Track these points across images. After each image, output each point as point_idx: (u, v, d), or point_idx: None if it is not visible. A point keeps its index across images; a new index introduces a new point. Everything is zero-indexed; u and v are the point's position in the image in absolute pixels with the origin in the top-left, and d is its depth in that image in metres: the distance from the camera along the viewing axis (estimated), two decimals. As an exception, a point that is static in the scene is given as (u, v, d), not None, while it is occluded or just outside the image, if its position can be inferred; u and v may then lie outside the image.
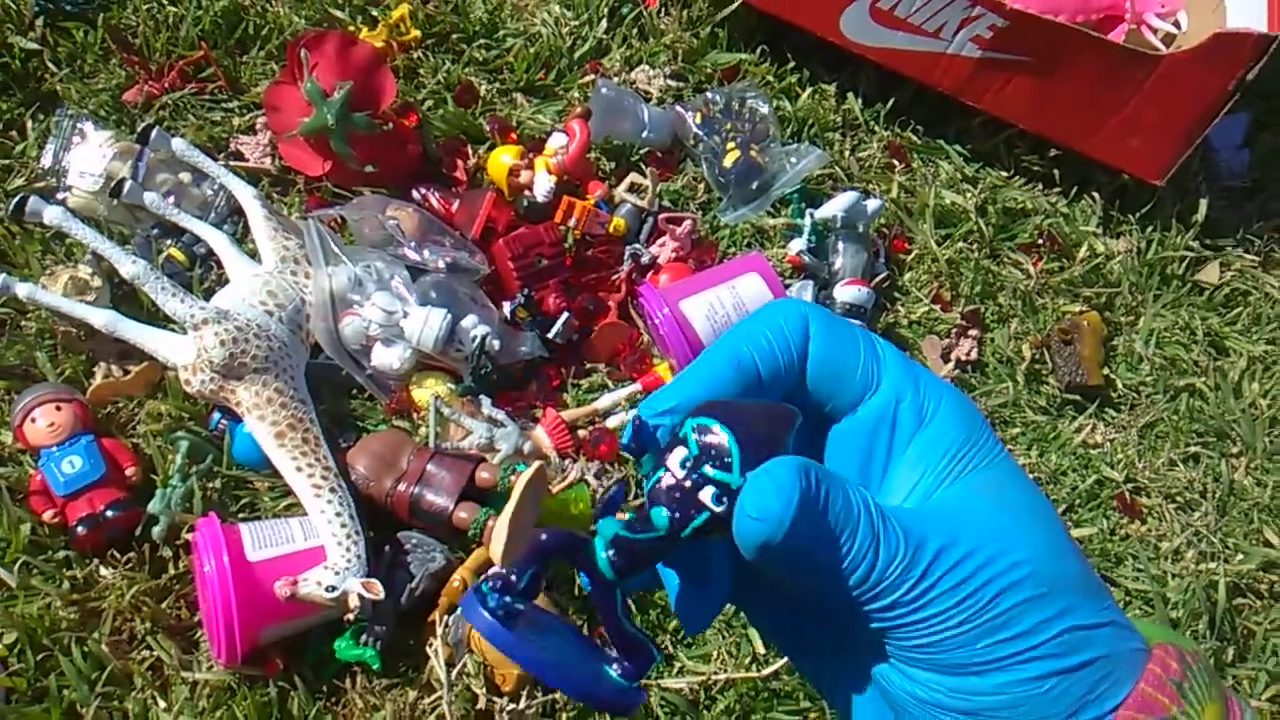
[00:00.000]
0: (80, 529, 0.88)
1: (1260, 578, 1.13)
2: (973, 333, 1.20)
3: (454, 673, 0.88)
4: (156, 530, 0.90)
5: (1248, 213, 1.36)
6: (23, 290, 0.93)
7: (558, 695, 0.90)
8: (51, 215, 0.95)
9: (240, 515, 0.94)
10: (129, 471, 0.92)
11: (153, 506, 0.91)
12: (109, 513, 0.89)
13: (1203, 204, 1.31)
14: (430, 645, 0.89)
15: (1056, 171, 1.31)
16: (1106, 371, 1.21)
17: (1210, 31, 1.17)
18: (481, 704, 0.87)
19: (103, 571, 0.90)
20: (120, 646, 0.87)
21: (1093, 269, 1.27)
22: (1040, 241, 1.28)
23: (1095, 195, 1.31)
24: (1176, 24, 1.38)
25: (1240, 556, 1.13)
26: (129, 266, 0.92)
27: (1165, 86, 1.19)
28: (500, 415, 0.97)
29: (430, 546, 0.93)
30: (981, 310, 1.22)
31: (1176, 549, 1.12)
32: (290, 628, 0.87)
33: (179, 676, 0.86)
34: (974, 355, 1.19)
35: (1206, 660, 0.28)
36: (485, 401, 0.98)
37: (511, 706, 0.88)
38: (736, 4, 1.29)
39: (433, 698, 0.88)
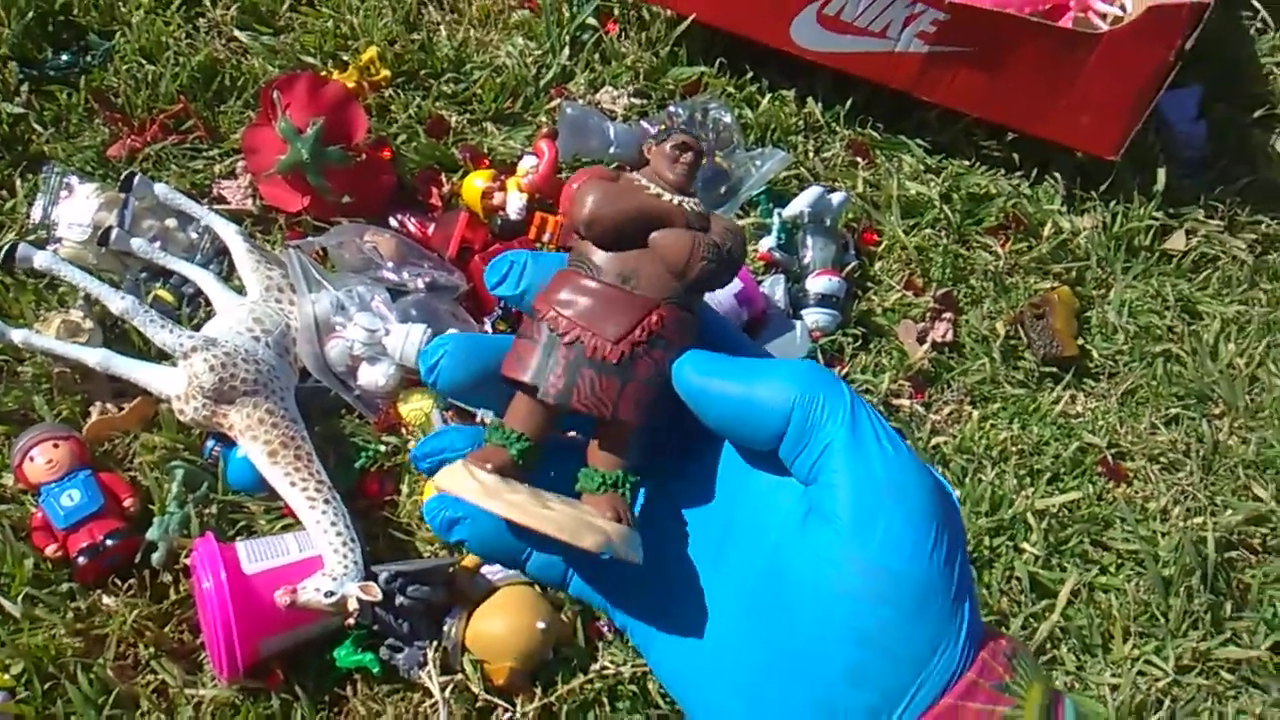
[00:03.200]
0: (81, 559, 0.90)
1: (1251, 531, 1.13)
2: (947, 315, 1.22)
3: (449, 686, 0.90)
4: (156, 556, 0.92)
5: (1208, 181, 1.39)
6: (18, 336, 0.96)
7: (555, 698, 0.91)
8: (41, 260, 0.99)
9: (237, 538, 0.96)
10: (127, 502, 0.95)
11: (151, 534, 0.93)
12: (108, 541, 0.91)
13: (1161, 174, 1.34)
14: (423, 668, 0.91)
15: (1016, 155, 1.34)
16: (1082, 343, 1.23)
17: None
18: (481, 702, 0.89)
19: (105, 600, 0.92)
20: (125, 671, 0.89)
21: (1060, 245, 1.30)
22: (1006, 223, 1.31)
23: (1056, 175, 1.34)
24: (1122, 7, 1.42)
25: (1229, 511, 1.14)
26: (118, 303, 0.95)
27: (1108, 63, 1.23)
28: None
29: (420, 584, 0.93)
30: (954, 293, 1.25)
31: (1164, 508, 1.13)
32: (290, 639, 0.89)
33: (183, 696, 0.88)
34: (949, 337, 1.21)
35: (1029, 652, 0.31)
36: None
37: (509, 716, 0.90)
38: (689, 22, 1.34)
39: (433, 701, 0.89)
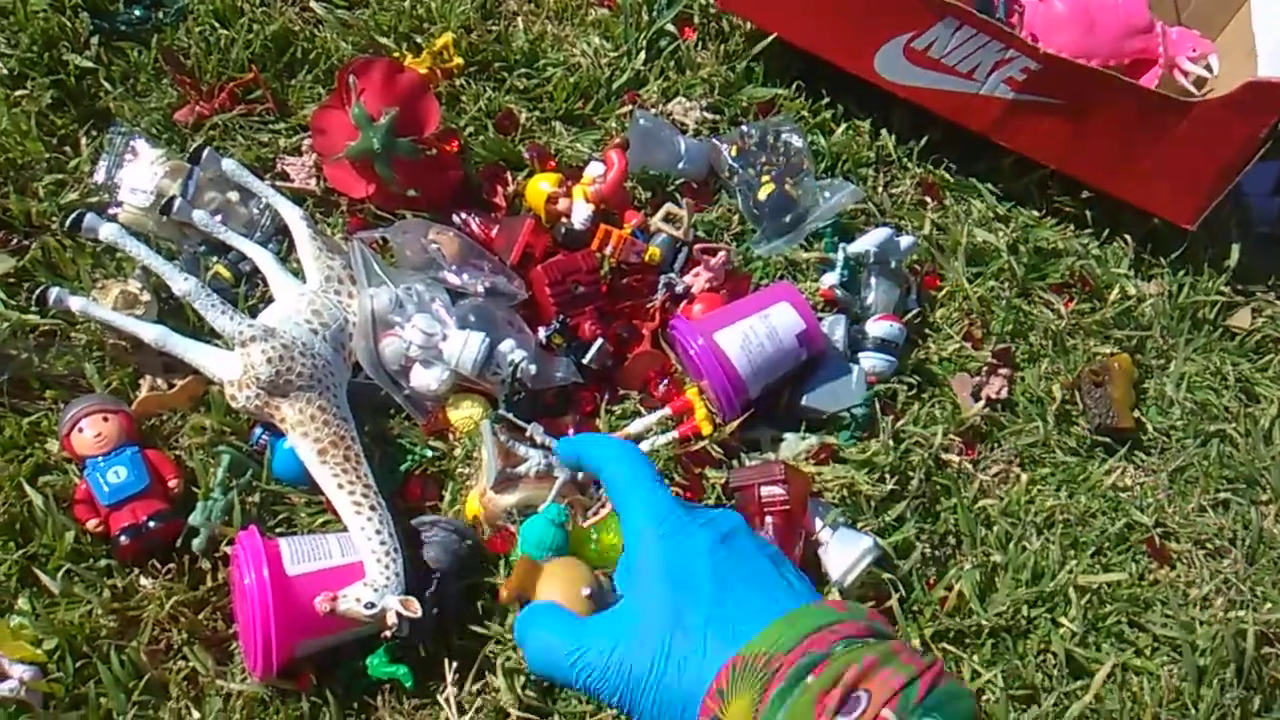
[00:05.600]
0: (123, 538, 0.89)
1: (1288, 626, 1.12)
2: (1003, 371, 1.21)
3: (470, 705, 0.89)
4: (197, 542, 0.92)
5: (1279, 260, 1.37)
6: (76, 304, 0.95)
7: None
8: (107, 232, 0.97)
9: (277, 530, 0.96)
10: (171, 483, 0.94)
11: (194, 519, 0.92)
12: (151, 523, 0.90)
13: (1235, 249, 1.31)
14: (441, 693, 0.90)
15: (1089, 213, 1.32)
16: (1137, 414, 1.22)
17: (1242, 79, 1.19)
18: (514, 715, 0.88)
19: (143, 581, 0.91)
20: (157, 656, 0.88)
21: (1124, 311, 1.28)
22: (1072, 282, 1.29)
23: (1127, 238, 1.32)
24: (1208, 68, 1.39)
25: (1269, 605, 1.12)
26: (180, 284, 0.94)
27: (1196, 133, 1.20)
28: (553, 442, 0.97)
29: (449, 526, 0.94)
30: (1012, 349, 1.23)
31: (1205, 596, 1.12)
32: (324, 643, 0.88)
33: (213, 687, 0.87)
34: (1004, 394, 1.19)
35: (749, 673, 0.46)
36: (538, 429, 0.98)
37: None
38: (771, 39, 1.31)
39: (463, 719, 0.89)
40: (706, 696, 0.47)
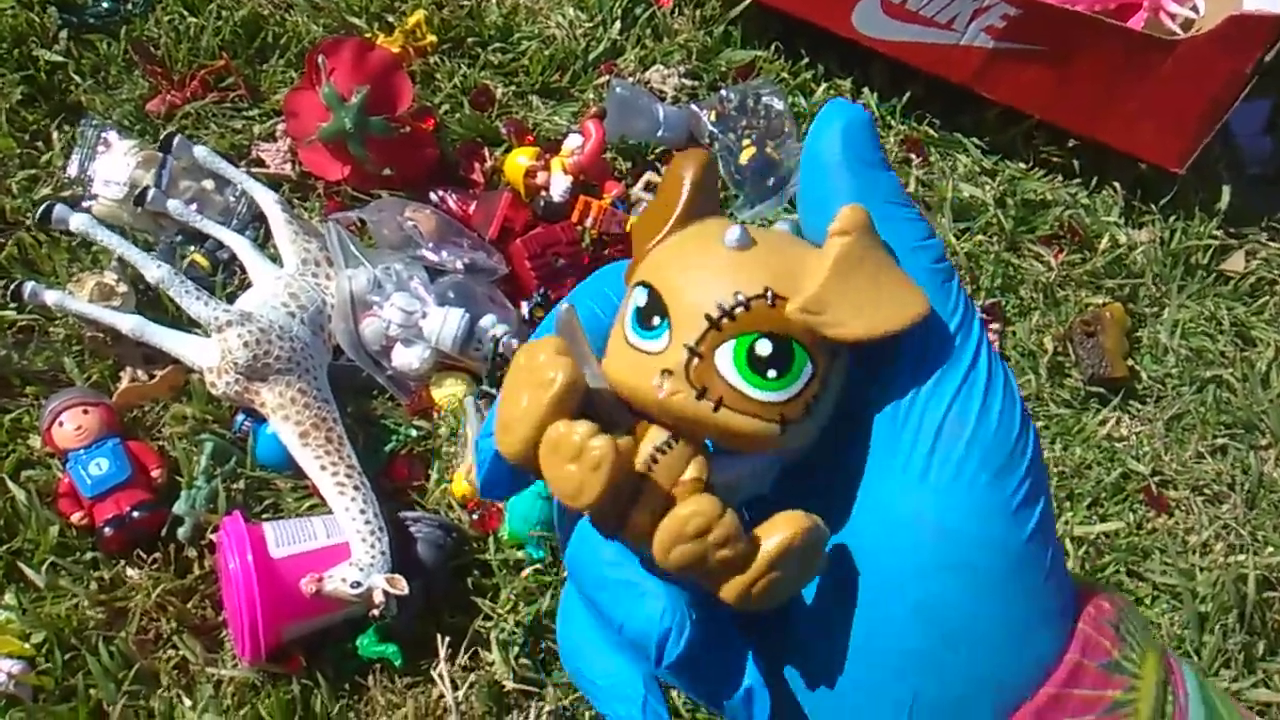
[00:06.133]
0: (107, 530, 0.89)
1: (1292, 569, 1.11)
2: (994, 326, 1.19)
3: (463, 681, 0.89)
4: (182, 531, 0.91)
5: (1272, 201, 1.35)
6: (51, 297, 0.95)
7: (571, 701, 0.90)
8: (77, 222, 0.97)
9: (264, 515, 0.95)
10: (154, 473, 0.94)
11: (178, 507, 0.92)
12: (135, 513, 0.90)
13: (1226, 191, 1.29)
14: (435, 669, 0.90)
15: (1076, 162, 1.30)
16: (1131, 363, 1.20)
17: (1227, 14, 1.16)
18: (509, 685, 0.88)
19: (129, 572, 0.91)
20: (146, 645, 0.88)
21: (1115, 260, 1.26)
22: (1061, 233, 1.27)
23: (1116, 185, 1.30)
24: (1195, 9, 1.36)
25: (1270, 549, 1.11)
26: (154, 271, 0.93)
27: (1182, 71, 1.18)
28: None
29: (432, 522, 0.94)
30: (1002, 303, 1.21)
31: (1205, 542, 1.10)
32: (313, 625, 0.88)
33: (204, 674, 0.87)
34: (996, 349, 1.17)
35: (1136, 609, 0.26)
36: None
37: (522, 717, 0.89)
38: (748, 2, 1.29)
39: (453, 694, 0.89)
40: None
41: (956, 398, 0.23)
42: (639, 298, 0.23)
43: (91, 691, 0.85)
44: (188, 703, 0.86)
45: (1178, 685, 0.23)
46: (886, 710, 0.23)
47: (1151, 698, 0.22)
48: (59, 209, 0.97)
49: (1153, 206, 1.30)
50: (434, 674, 0.89)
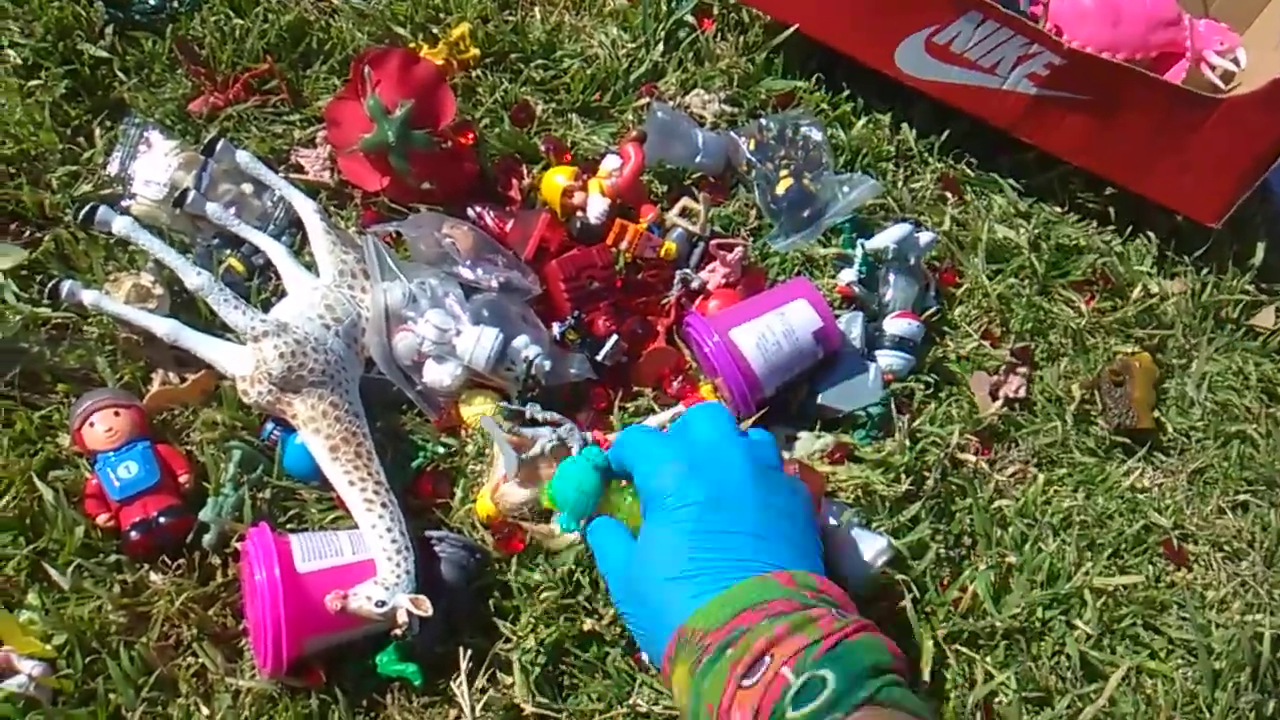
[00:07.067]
0: (133, 534, 0.89)
1: (1308, 632, 1.11)
2: (1022, 370, 1.19)
3: (479, 701, 0.89)
4: (208, 538, 0.91)
5: (1305, 258, 1.35)
6: (89, 297, 0.95)
7: None
8: (120, 226, 0.97)
9: (288, 526, 0.95)
10: (182, 479, 0.94)
11: (205, 515, 0.92)
12: (162, 519, 0.90)
13: (1260, 248, 1.29)
14: (455, 680, 0.90)
15: (1111, 209, 1.30)
16: (1157, 414, 1.20)
17: (1270, 72, 1.17)
18: (528, 710, 0.88)
19: (153, 577, 0.91)
20: (167, 652, 0.88)
21: (1146, 309, 1.26)
22: (1093, 279, 1.27)
23: (1150, 235, 1.30)
24: (1236, 61, 1.37)
25: (1289, 609, 1.11)
26: (194, 278, 0.93)
27: (1223, 129, 1.18)
28: (554, 415, 0.97)
29: (457, 542, 0.93)
30: (1031, 347, 1.21)
31: (1223, 599, 1.10)
32: (334, 640, 0.88)
33: (223, 684, 0.87)
34: (1023, 393, 1.18)
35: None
36: (534, 407, 0.98)
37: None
38: (790, 31, 1.29)
39: (472, 715, 0.89)
40: (664, 658, 0.62)
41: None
42: None
43: (111, 696, 0.84)
44: (205, 711, 0.86)
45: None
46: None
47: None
48: (102, 210, 0.97)
49: (1186, 258, 1.30)
50: (453, 686, 0.89)
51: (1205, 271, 1.29)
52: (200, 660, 0.88)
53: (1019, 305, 1.22)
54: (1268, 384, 1.26)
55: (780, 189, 1.21)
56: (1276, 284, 1.31)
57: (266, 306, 1.00)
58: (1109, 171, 1.27)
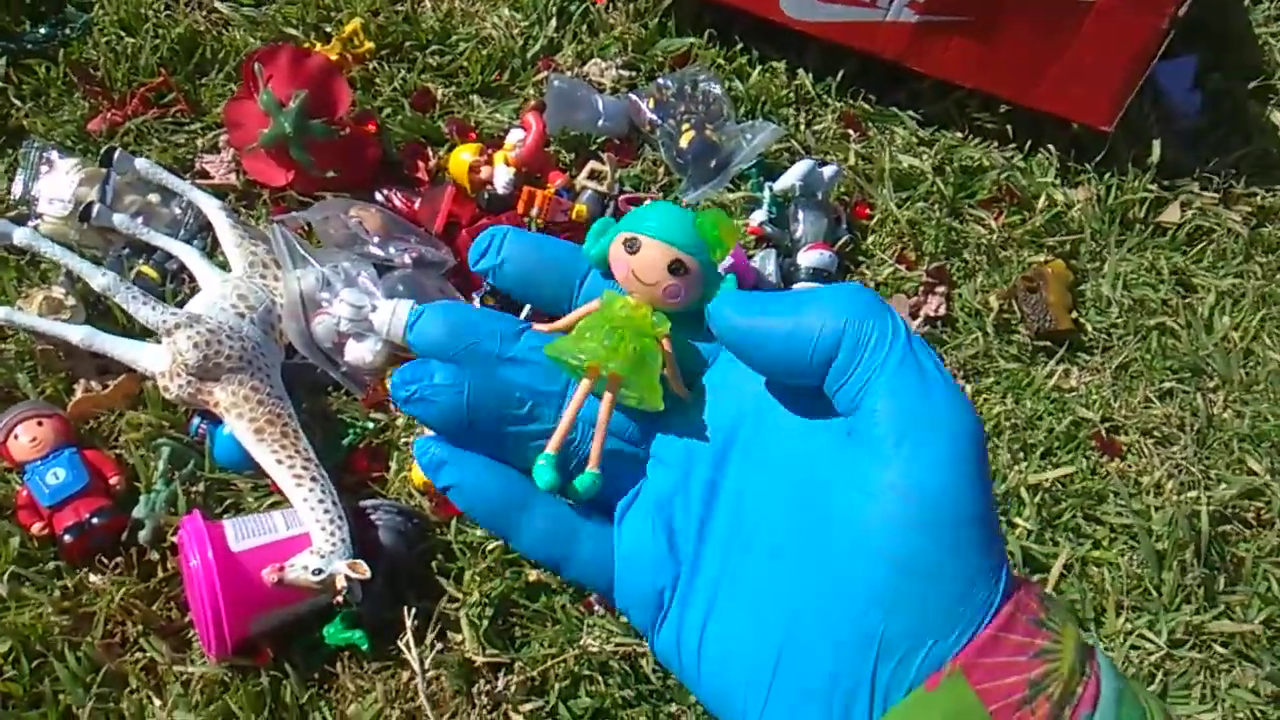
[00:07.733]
0: (67, 537, 0.89)
1: (1245, 505, 1.13)
2: (940, 289, 1.21)
3: (429, 658, 0.89)
4: (143, 534, 0.92)
5: (1203, 152, 1.38)
6: (0, 314, 0.95)
7: (537, 673, 0.91)
8: (20, 236, 0.97)
9: (225, 516, 0.96)
10: (113, 480, 0.94)
11: (138, 511, 0.92)
12: (94, 520, 0.90)
13: (1156, 146, 1.32)
14: (401, 638, 0.90)
15: (1010, 127, 1.33)
16: (1076, 316, 1.23)
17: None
18: (480, 661, 0.88)
19: (92, 578, 0.91)
20: (113, 649, 0.88)
21: (1054, 219, 1.29)
22: (1000, 196, 1.30)
23: (1050, 147, 1.33)
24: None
25: (1223, 485, 1.13)
26: (99, 279, 0.94)
27: (1101, 31, 1.21)
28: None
29: (392, 509, 0.94)
30: (947, 267, 1.24)
31: (1157, 482, 1.13)
32: (278, 617, 0.88)
33: (172, 674, 0.87)
34: (942, 310, 1.20)
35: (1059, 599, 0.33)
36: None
37: (489, 686, 0.89)
38: (680, -8, 1.32)
39: (422, 672, 0.89)
40: None
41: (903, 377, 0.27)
42: None
43: (60, 697, 0.84)
44: (157, 702, 0.86)
45: (1092, 655, 0.26)
46: (849, 638, 0.26)
47: (1073, 651, 0.26)
48: (1, 224, 0.97)
49: (1087, 165, 1.33)
50: (401, 645, 0.89)
51: (1108, 176, 1.32)
52: (148, 654, 0.89)
53: (930, 228, 1.25)
54: (1181, 275, 1.29)
55: (684, 142, 1.23)
56: (1178, 180, 1.35)
57: (183, 307, 1.00)
58: (1000, 89, 1.30)
